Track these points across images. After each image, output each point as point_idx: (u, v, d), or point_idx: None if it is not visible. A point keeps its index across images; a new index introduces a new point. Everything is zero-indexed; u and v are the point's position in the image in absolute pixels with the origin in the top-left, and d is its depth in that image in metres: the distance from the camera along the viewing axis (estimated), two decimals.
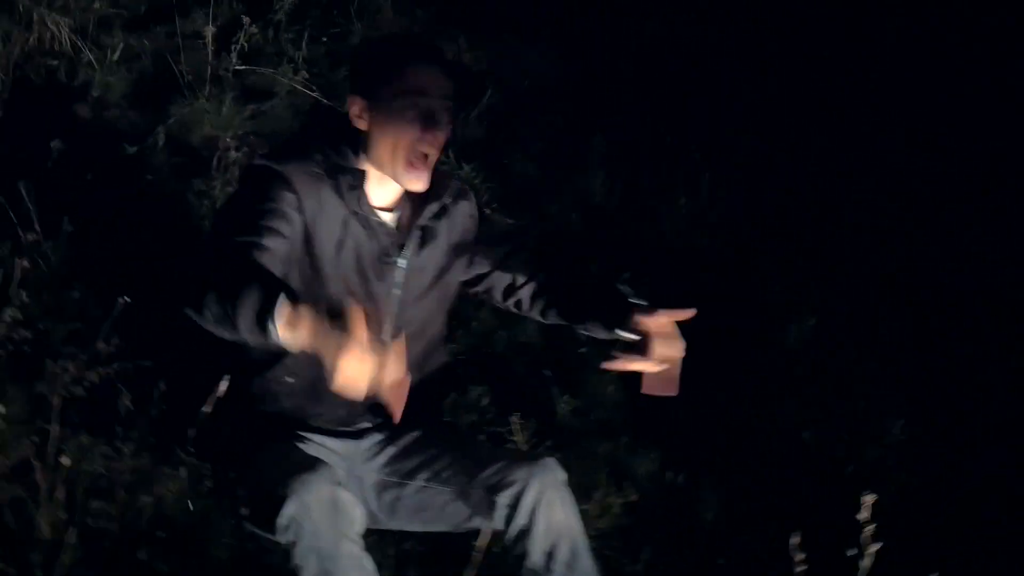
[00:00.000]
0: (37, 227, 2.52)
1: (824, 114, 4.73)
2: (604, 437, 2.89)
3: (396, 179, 1.88)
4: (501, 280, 2.14)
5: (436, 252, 2.03)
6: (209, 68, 3.43)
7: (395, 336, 1.90)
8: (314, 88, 3.66)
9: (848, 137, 4.64)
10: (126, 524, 2.05)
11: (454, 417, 2.64)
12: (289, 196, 1.79)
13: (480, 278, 2.15)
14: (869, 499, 1.74)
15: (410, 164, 1.84)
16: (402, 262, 1.95)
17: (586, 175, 3.87)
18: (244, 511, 1.84)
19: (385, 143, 1.85)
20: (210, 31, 3.37)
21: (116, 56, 3.41)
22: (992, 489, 3.07)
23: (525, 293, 2.13)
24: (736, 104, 4.56)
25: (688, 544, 2.62)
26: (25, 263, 2.22)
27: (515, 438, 2.50)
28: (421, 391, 1.89)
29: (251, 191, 1.84)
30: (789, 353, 3.38)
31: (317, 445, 1.98)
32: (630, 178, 3.88)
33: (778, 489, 2.83)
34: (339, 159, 1.87)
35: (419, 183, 1.86)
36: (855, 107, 4.92)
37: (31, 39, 3.22)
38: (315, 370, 1.66)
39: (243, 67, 3.51)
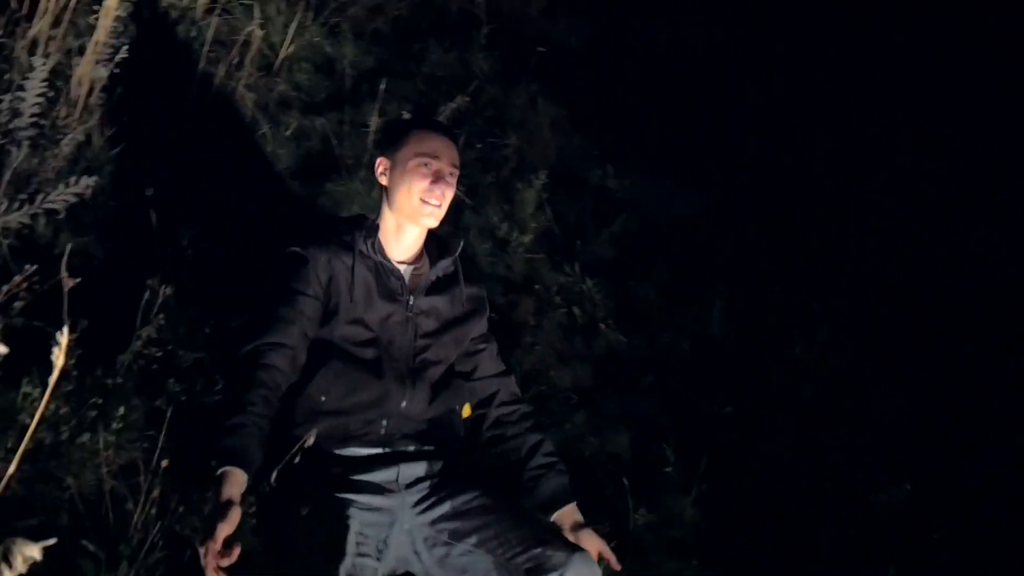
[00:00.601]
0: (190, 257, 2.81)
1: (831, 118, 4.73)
2: (673, 556, 2.91)
3: (413, 219, 2.35)
4: (483, 386, 2.53)
5: (443, 302, 2.43)
6: (367, 155, 3.73)
7: (414, 370, 2.28)
8: (462, 189, 3.91)
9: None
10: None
11: None
12: (306, 265, 2.28)
13: (470, 358, 2.51)
14: None
15: (424, 203, 2.31)
16: (410, 299, 2.35)
17: (705, 310, 3.95)
18: None
19: (402, 191, 2.32)
20: (374, 121, 3.69)
21: (289, 132, 3.75)
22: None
23: (493, 415, 2.52)
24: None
25: None
26: (169, 291, 2.48)
27: None
28: (442, 430, 2.32)
29: (280, 269, 2.32)
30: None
31: (363, 511, 2.13)
32: (748, 320, 3.94)
33: None
34: (356, 228, 2.38)
35: (432, 219, 2.36)
36: (861, 110, 4.97)
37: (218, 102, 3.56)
38: (346, 388, 2.22)
39: None
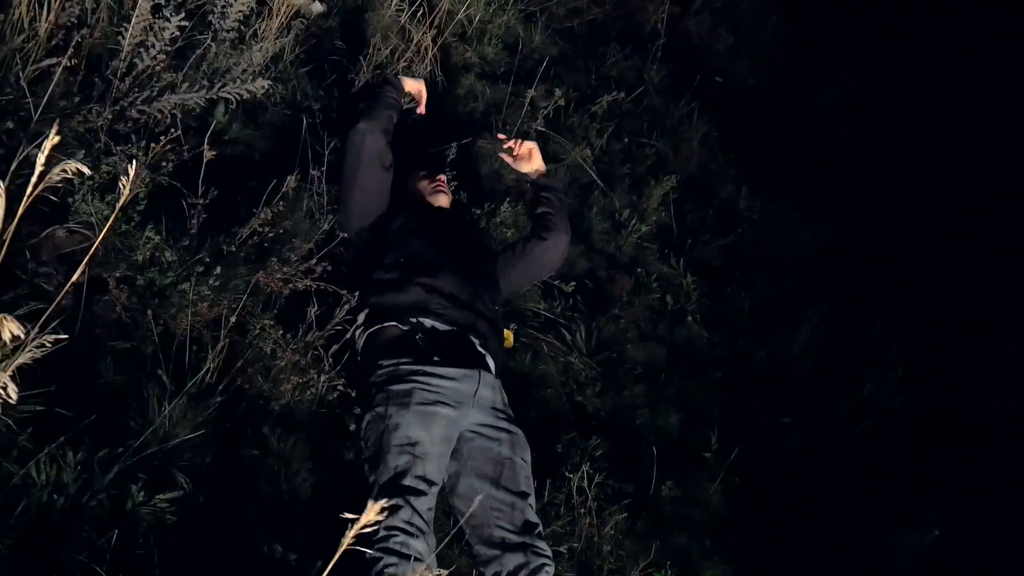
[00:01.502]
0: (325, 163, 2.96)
1: None
2: (686, 531, 2.85)
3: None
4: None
5: None
6: (520, 122, 3.80)
7: None
8: (594, 169, 3.93)
9: None
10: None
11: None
12: None
13: None
14: None
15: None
16: None
17: (791, 329, 3.81)
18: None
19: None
20: (530, 95, 3.76)
21: (459, 89, 3.87)
22: None
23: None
24: None
25: None
26: (293, 183, 2.63)
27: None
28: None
29: None
30: None
31: (438, 384, 2.36)
32: (829, 348, 3.78)
33: None
34: None
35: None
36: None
37: (403, 52, 3.70)
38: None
39: (542, 129, 3.85)
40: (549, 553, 2.33)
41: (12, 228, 1.37)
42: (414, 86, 3.03)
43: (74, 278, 1.56)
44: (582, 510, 2.53)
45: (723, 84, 5.62)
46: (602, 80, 4.56)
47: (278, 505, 2.17)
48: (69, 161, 1.52)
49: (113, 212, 1.90)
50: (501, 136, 3.12)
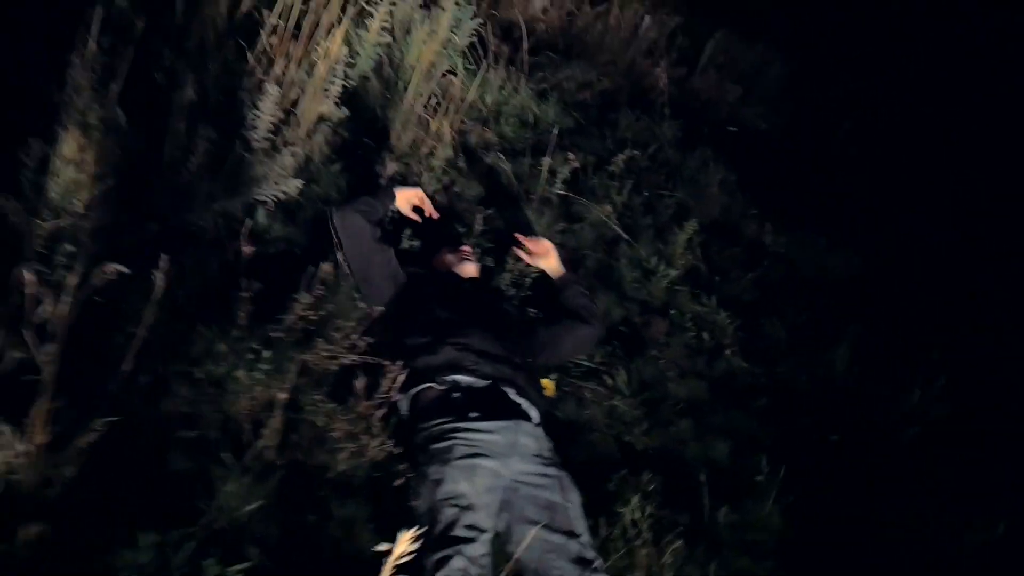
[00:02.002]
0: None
1: None
2: (747, 554, 2.77)
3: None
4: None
5: None
6: (539, 189, 3.87)
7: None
8: (617, 224, 3.96)
9: None
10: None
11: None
12: None
13: None
14: None
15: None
16: None
17: (831, 351, 3.74)
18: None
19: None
20: (546, 163, 3.83)
21: (481, 168, 3.97)
22: None
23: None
24: None
25: None
26: (328, 267, 2.70)
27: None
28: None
29: None
30: None
31: (476, 438, 2.38)
32: (870, 364, 3.69)
33: None
34: None
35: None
36: None
37: (424, 140, 3.81)
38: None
39: (563, 192, 3.90)
40: None
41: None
42: (409, 194, 3.05)
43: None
44: (638, 542, 2.47)
45: (736, 133, 5.65)
46: (617, 143, 4.63)
47: (343, 568, 2.17)
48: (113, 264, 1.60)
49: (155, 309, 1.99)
50: (518, 235, 3.16)
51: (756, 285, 4.01)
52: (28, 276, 1.74)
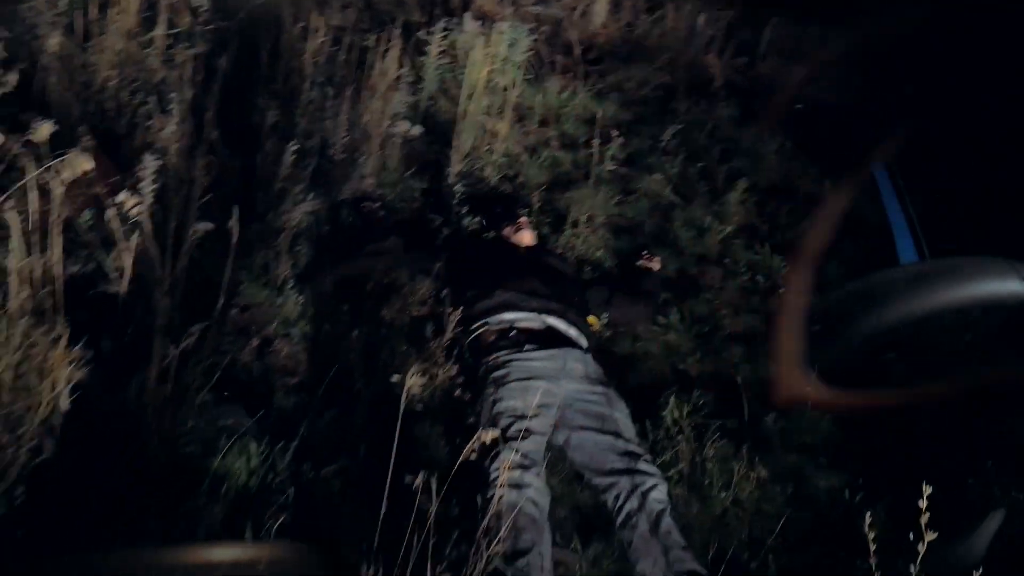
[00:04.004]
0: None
1: None
2: (794, 452, 2.96)
3: None
4: None
5: None
6: (598, 170, 4.22)
7: None
8: (666, 189, 4.25)
9: None
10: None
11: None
12: None
13: None
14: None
15: None
16: None
17: None
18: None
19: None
20: (596, 143, 4.18)
21: (542, 159, 4.36)
22: None
23: None
24: None
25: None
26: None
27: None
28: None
29: None
30: None
31: (529, 364, 2.72)
32: None
33: None
34: None
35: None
36: None
37: (484, 140, 4.24)
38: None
39: (616, 168, 4.23)
40: (658, 473, 2.57)
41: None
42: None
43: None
44: (679, 437, 2.73)
45: (802, 109, 5.80)
46: (678, 130, 4.89)
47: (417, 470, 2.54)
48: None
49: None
50: (644, 254, 3.66)
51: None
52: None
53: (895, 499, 2.70)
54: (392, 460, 1.98)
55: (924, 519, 1.93)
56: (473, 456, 2.22)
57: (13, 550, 1.94)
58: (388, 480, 1.97)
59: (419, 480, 1.91)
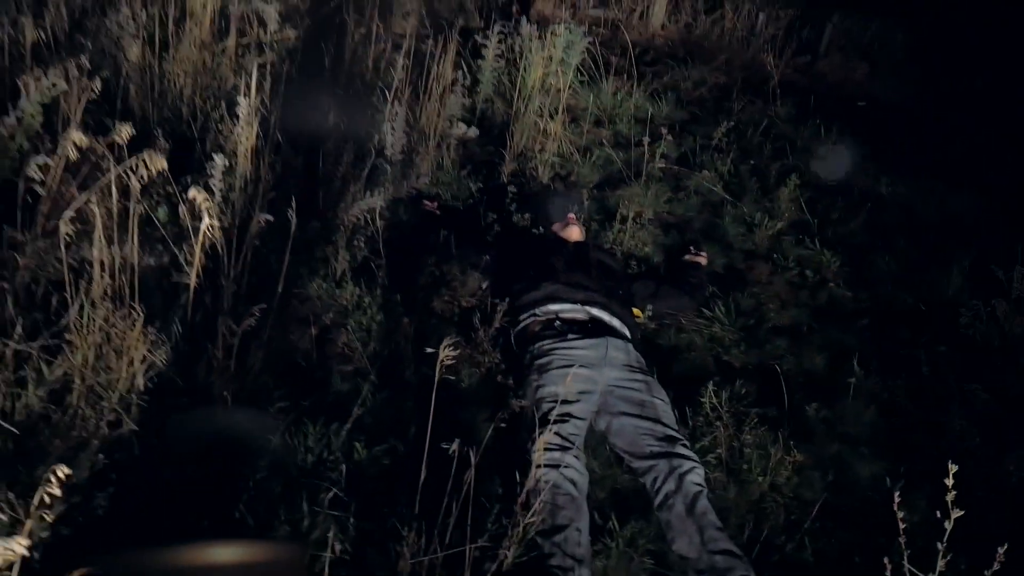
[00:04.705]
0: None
1: None
2: (836, 441, 3.01)
3: None
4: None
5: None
6: (650, 168, 4.32)
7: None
8: (717, 186, 4.32)
9: None
10: None
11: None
12: None
13: None
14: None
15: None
16: None
17: (942, 277, 3.87)
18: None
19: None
20: (646, 141, 4.29)
21: (594, 158, 4.48)
22: None
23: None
24: None
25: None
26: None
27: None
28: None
29: None
30: None
31: (571, 352, 2.84)
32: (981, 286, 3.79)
33: None
34: None
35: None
36: None
37: (537, 139, 4.38)
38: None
39: (667, 166, 4.33)
40: (695, 457, 2.67)
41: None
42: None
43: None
44: (718, 424, 2.82)
45: (865, 107, 5.80)
46: (730, 128, 4.96)
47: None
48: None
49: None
50: (691, 249, 3.77)
51: (866, 229, 4.18)
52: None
53: (935, 488, 2.73)
54: (429, 429, 2.12)
55: (950, 497, 1.99)
56: (504, 424, 2.36)
57: (95, 517, 2.16)
58: (426, 448, 2.12)
59: (455, 446, 2.04)
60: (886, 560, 2.12)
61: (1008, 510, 2.73)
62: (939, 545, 2.04)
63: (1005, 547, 2.05)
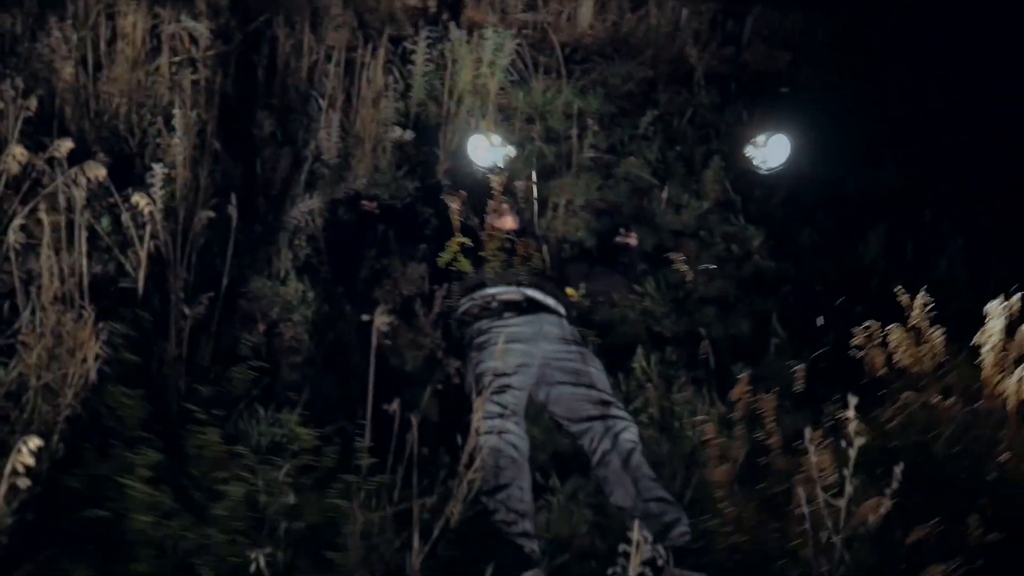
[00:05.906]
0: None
1: None
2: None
3: None
4: None
5: None
6: (575, 157, 4.57)
7: None
8: (645, 172, 4.58)
9: None
10: None
11: None
12: None
13: None
14: None
15: None
16: None
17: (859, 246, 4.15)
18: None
19: None
20: (574, 133, 4.54)
21: (527, 152, 4.71)
22: None
23: None
24: None
25: None
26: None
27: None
28: None
29: None
30: None
31: (507, 330, 3.04)
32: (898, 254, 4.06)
33: None
34: None
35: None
36: None
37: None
38: None
39: (596, 155, 4.58)
40: (629, 417, 2.89)
41: None
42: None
43: None
44: (648, 384, 3.05)
45: (788, 93, 6.11)
46: (656, 117, 5.21)
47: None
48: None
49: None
50: (621, 231, 3.94)
51: (787, 205, 4.45)
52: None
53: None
54: (370, 394, 2.31)
55: (852, 427, 2.22)
56: (441, 387, 2.56)
57: (58, 499, 2.32)
58: (368, 415, 2.31)
59: (395, 406, 2.23)
60: (800, 490, 2.34)
61: (902, 437, 2.94)
62: (845, 471, 2.27)
63: (901, 466, 2.30)
